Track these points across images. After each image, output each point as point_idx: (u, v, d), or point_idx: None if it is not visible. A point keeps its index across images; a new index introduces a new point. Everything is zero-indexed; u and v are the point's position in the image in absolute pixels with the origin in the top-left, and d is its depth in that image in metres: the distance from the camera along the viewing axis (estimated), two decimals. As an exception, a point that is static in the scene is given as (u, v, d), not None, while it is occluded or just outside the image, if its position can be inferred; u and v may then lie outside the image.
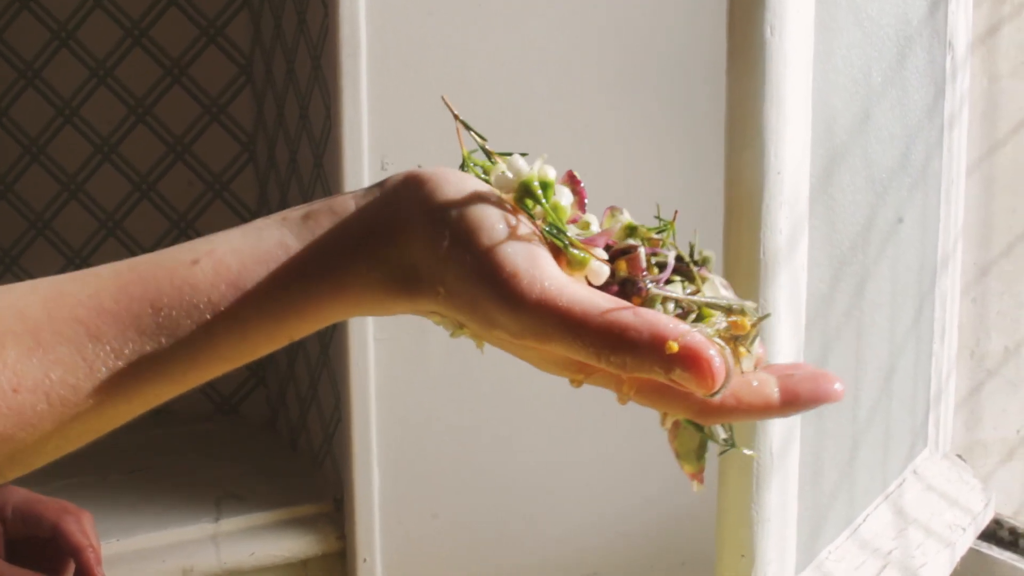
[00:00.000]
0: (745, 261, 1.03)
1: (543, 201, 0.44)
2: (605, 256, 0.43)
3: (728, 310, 0.43)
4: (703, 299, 0.43)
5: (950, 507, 1.55)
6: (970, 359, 1.85)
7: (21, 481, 0.91)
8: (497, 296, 0.41)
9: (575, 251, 0.42)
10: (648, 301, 0.43)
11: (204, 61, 1.87)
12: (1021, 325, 1.91)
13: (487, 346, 0.45)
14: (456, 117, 0.48)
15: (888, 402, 1.44)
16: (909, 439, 1.55)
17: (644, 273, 0.43)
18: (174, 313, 0.43)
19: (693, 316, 0.43)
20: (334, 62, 1.39)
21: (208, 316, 0.43)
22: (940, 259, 1.57)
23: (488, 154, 0.47)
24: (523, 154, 0.47)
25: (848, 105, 1.21)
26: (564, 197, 0.45)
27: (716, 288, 0.44)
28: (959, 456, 1.74)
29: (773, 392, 0.42)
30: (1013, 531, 1.69)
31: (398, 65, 1.39)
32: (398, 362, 1.46)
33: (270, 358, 1.90)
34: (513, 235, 0.42)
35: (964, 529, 1.52)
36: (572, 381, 0.46)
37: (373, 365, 1.45)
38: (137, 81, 1.87)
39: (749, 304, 0.44)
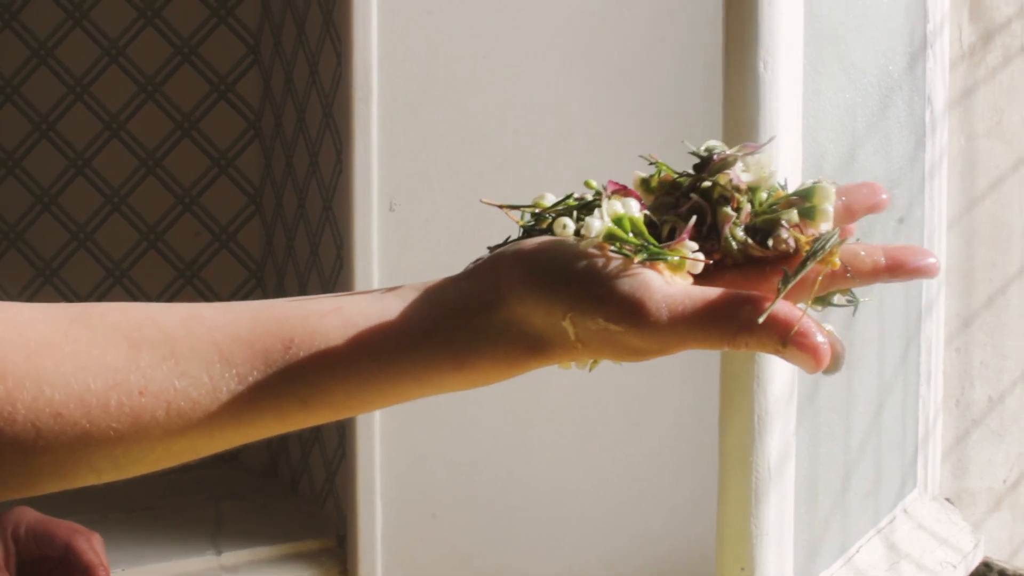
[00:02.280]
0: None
1: (627, 236, 0.47)
2: (696, 247, 0.47)
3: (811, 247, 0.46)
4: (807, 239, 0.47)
5: (940, 545, 1.59)
6: (955, 408, 1.90)
7: (31, 505, 0.95)
8: (634, 330, 0.44)
9: (673, 258, 0.46)
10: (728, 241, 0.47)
11: (214, 115, 1.94)
12: (1004, 376, 1.96)
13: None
14: (500, 207, 0.51)
15: (878, 438, 1.48)
16: (899, 478, 1.59)
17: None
18: (301, 353, 0.46)
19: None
20: (347, 108, 1.46)
21: (330, 363, 0.46)
22: (924, 305, 1.63)
23: (539, 219, 0.50)
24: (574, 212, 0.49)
25: (835, 144, 1.29)
26: (632, 208, 0.47)
27: (747, 163, 0.48)
28: (948, 500, 1.78)
29: (880, 259, 0.47)
30: (1003, 573, 1.72)
31: (408, 110, 1.46)
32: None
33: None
34: (619, 274, 0.45)
35: (955, 567, 1.55)
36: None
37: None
38: (148, 134, 1.94)
39: (819, 233, 0.47)
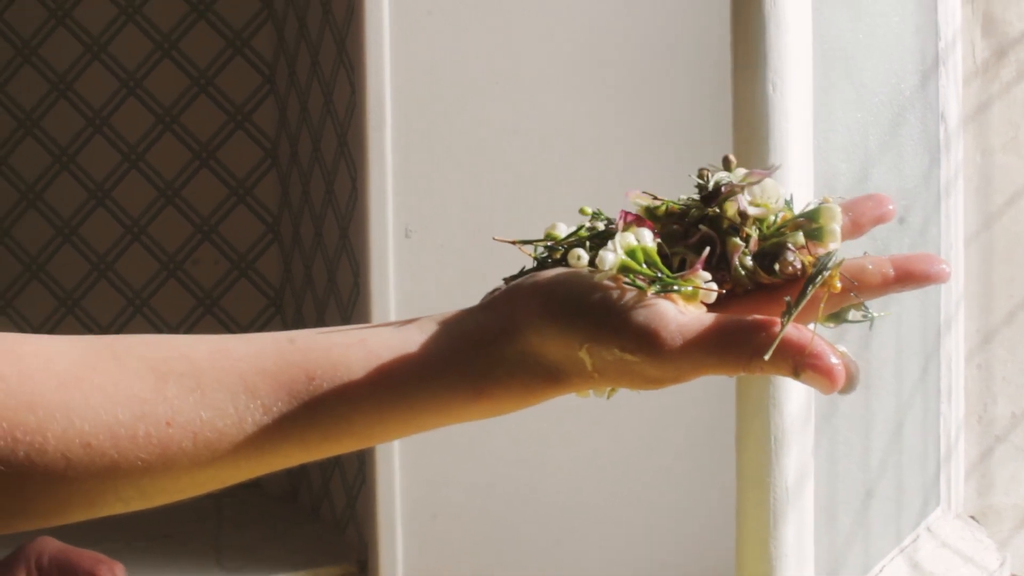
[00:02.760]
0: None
1: (641, 268, 0.47)
2: (708, 277, 0.48)
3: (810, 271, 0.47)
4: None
5: (965, 563, 1.58)
6: (977, 424, 1.89)
7: (55, 534, 0.96)
8: (649, 359, 0.45)
9: (686, 289, 0.47)
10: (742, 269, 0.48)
11: (231, 145, 1.96)
12: (1026, 391, 1.95)
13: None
14: (513, 243, 0.52)
15: (898, 456, 1.48)
16: (921, 496, 1.59)
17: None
18: (324, 385, 0.47)
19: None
20: (361, 135, 1.47)
21: (353, 394, 0.47)
22: (943, 321, 1.63)
23: (552, 252, 0.51)
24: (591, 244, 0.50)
25: (847, 164, 1.29)
26: (645, 238, 0.48)
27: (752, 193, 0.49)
28: (972, 517, 1.77)
29: (889, 271, 0.48)
30: (1029, 591, 1.70)
31: (422, 136, 1.48)
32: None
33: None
34: (634, 305, 0.46)
35: (980, 586, 1.54)
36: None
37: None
38: (166, 165, 1.96)
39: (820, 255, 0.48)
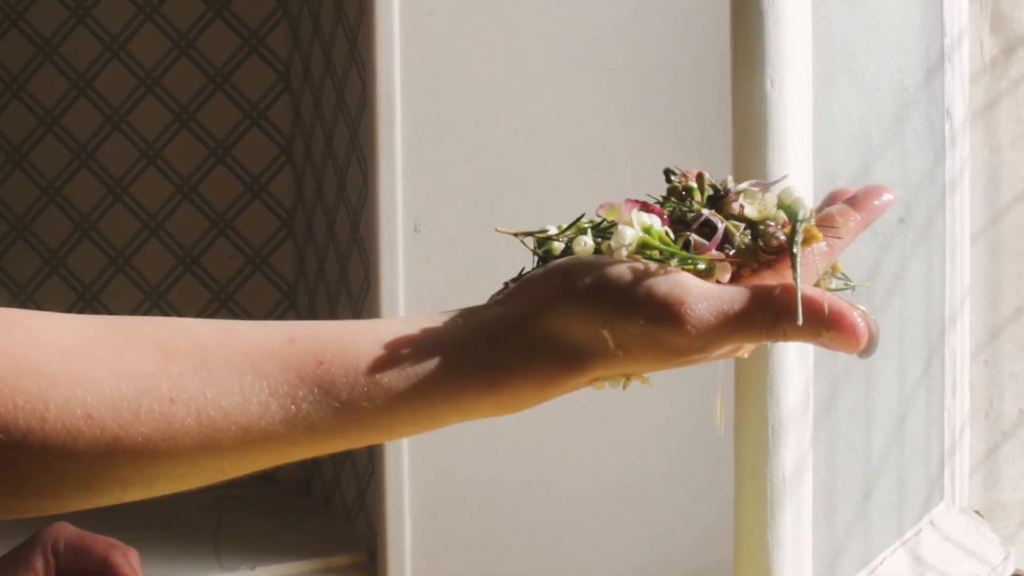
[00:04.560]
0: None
1: (660, 243, 0.48)
2: (722, 256, 0.49)
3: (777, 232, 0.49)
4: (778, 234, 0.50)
5: (968, 557, 1.58)
6: (984, 420, 1.90)
7: (70, 521, 0.98)
8: (676, 329, 0.45)
9: (702, 265, 0.48)
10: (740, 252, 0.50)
11: (247, 141, 1.99)
12: (1034, 388, 1.95)
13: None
14: (515, 235, 0.52)
15: (900, 449, 1.49)
16: (924, 490, 1.60)
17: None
18: (333, 369, 0.46)
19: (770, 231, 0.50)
20: (371, 131, 1.50)
21: (362, 379, 0.46)
22: (948, 316, 1.64)
23: (552, 239, 0.52)
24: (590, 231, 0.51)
25: (848, 159, 1.30)
26: (655, 223, 0.49)
27: (751, 194, 0.51)
28: (977, 512, 1.77)
29: (855, 216, 0.50)
30: (1033, 586, 1.71)
31: (431, 133, 1.50)
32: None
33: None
34: (653, 275, 0.46)
35: (983, 579, 1.55)
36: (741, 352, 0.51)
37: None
38: (184, 161, 1.99)
39: (787, 214, 0.50)
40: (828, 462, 1.27)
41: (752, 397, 1.12)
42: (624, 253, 0.47)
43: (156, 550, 1.63)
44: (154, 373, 0.45)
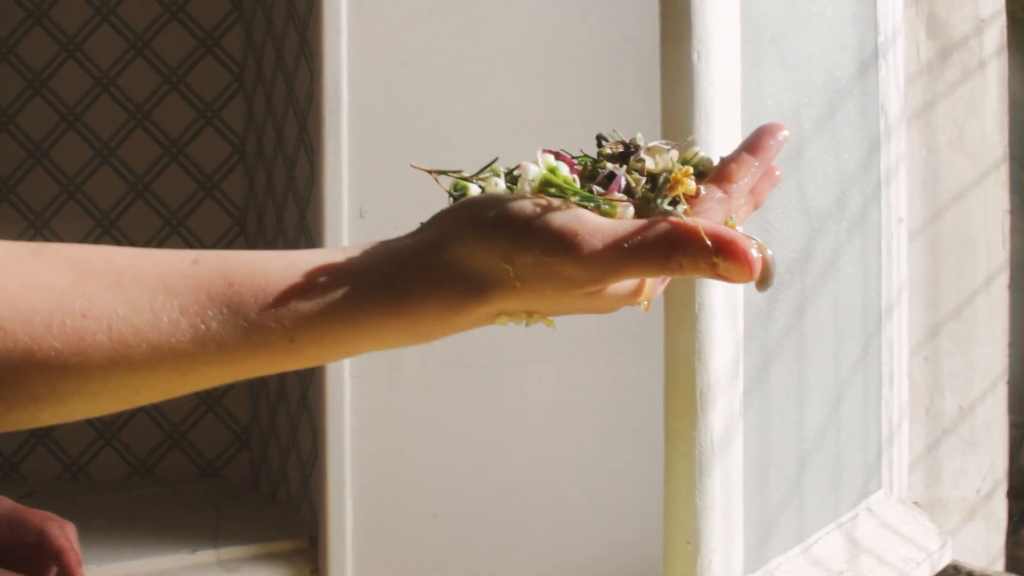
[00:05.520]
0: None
1: (562, 182, 0.50)
2: (622, 197, 0.51)
3: (658, 174, 0.52)
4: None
5: (904, 543, 1.61)
6: (925, 416, 1.93)
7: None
8: (571, 259, 0.47)
9: (606, 206, 0.50)
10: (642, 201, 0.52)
11: (200, 141, 2.01)
12: (974, 385, 1.99)
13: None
14: (430, 172, 0.55)
15: (836, 432, 1.51)
16: (862, 476, 1.62)
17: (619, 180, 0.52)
18: (242, 290, 0.47)
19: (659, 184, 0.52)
20: (319, 120, 1.52)
21: (271, 300, 0.47)
22: (884, 306, 1.67)
23: (469, 179, 0.54)
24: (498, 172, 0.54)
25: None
26: (563, 169, 0.51)
27: (655, 150, 0.53)
28: (916, 504, 1.80)
29: (749, 158, 0.52)
30: (971, 575, 1.73)
31: (377, 120, 1.53)
32: (372, 398, 1.54)
33: (253, 419, 1.97)
34: (553, 209, 0.48)
35: (918, 564, 1.57)
36: (643, 307, 0.53)
37: (349, 400, 1.53)
38: (138, 160, 2.01)
39: (672, 153, 0.53)
40: (761, 433, 1.29)
41: (681, 361, 1.15)
42: (527, 188, 0.49)
43: (99, 537, 1.63)
44: (68, 290, 0.47)
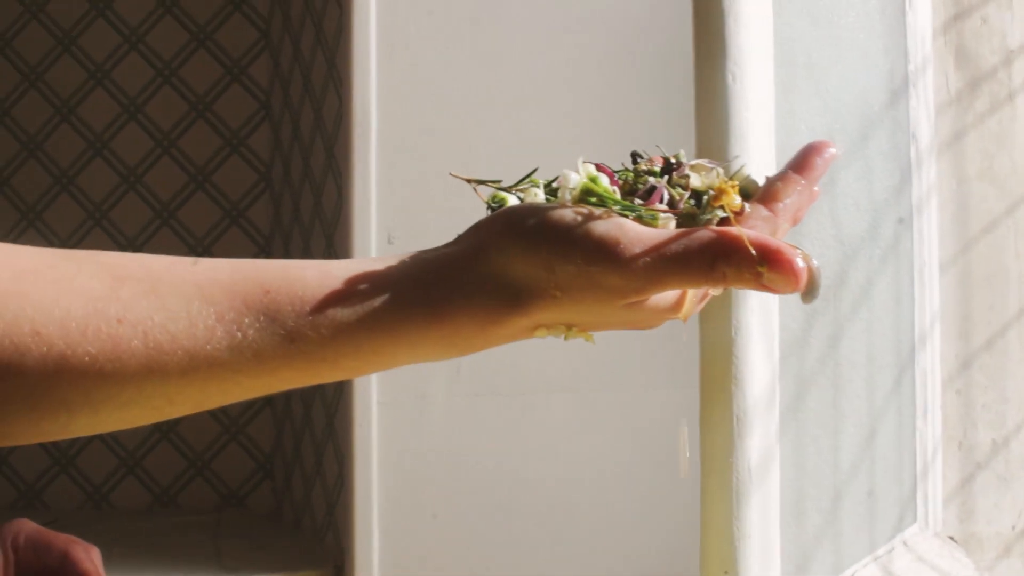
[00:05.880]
0: (718, 285, 1.11)
1: (603, 191, 0.50)
2: (664, 208, 0.50)
3: (705, 190, 0.51)
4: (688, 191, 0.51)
5: (941, 577, 1.57)
6: (958, 450, 1.90)
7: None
8: (613, 267, 0.46)
9: (647, 216, 0.49)
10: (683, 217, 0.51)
11: (227, 168, 2.01)
12: (1007, 420, 1.96)
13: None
14: (468, 181, 0.55)
15: (871, 463, 1.49)
16: (897, 510, 1.59)
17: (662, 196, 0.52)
18: (279, 298, 0.47)
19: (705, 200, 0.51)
20: (347, 144, 1.52)
21: (307, 309, 0.46)
22: (918, 337, 1.65)
23: (507, 190, 0.54)
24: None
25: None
26: (603, 180, 0.50)
27: (699, 167, 0.53)
28: (951, 538, 1.76)
29: (796, 176, 0.51)
30: (1008, 612, 1.69)
31: (406, 144, 1.53)
32: (400, 425, 1.53)
33: (276, 447, 1.96)
34: (594, 217, 0.47)
35: (957, 600, 1.54)
36: (682, 318, 0.52)
37: (376, 427, 1.51)
38: (164, 187, 2.01)
39: (717, 170, 0.52)
40: (796, 462, 1.27)
41: (718, 386, 1.13)
42: (567, 198, 0.49)
43: (120, 563, 1.61)
44: (103, 296, 0.46)
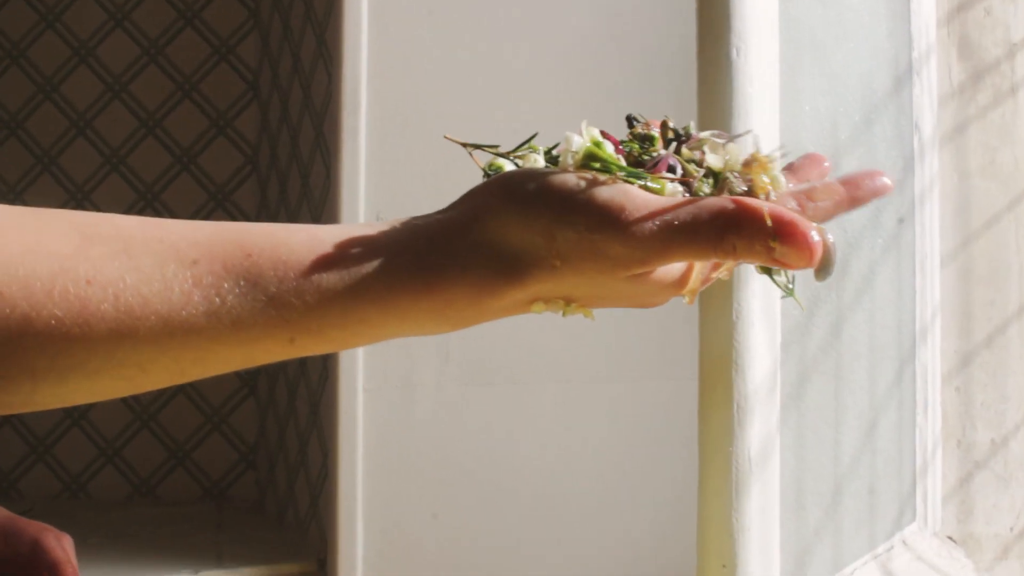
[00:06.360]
0: (719, 267, 1.07)
1: (607, 156, 0.47)
2: (672, 176, 0.47)
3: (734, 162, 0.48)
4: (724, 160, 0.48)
5: (941, 577, 1.54)
6: (957, 448, 1.86)
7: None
8: (616, 234, 0.43)
9: (653, 184, 0.46)
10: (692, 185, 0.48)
11: (213, 150, 1.97)
12: (1007, 418, 1.92)
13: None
14: (464, 145, 0.51)
15: (872, 457, 1.45)
16: (896, 507, 1.55)
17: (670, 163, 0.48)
18: (262, 262, 0.43)
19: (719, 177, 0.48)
20: (336, 122, 1.48)
21: (292, 274, 0.43)
22: (919, 329, 1.62)
23: (505, 156, 0.51)
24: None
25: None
26: (608, 147, 0.47)
27: (715, 145, 0.49)
28: (950, 538, 1.73)
29: (839, 188, 0.47)
30: (1008, 613, 1.66)
31: (395, 123, 1.48)
32: (386, 413, 1.48)
33: (260, 437, 1.91)
34: (598, 183, 0.44)
35: (956, 600, 1.50)
36: (686, 299, 0.49)
37: (361, 416, 1.47)
38: (148, 168, 1.97)
39: (748, 141, 0.49)
40: (797, 453, 1.23)
41: (718, 372, 1.09)
42: (570, 161, 0.46)
43: (97, 555, 1.56)
44: (72, 255, 0.43)
